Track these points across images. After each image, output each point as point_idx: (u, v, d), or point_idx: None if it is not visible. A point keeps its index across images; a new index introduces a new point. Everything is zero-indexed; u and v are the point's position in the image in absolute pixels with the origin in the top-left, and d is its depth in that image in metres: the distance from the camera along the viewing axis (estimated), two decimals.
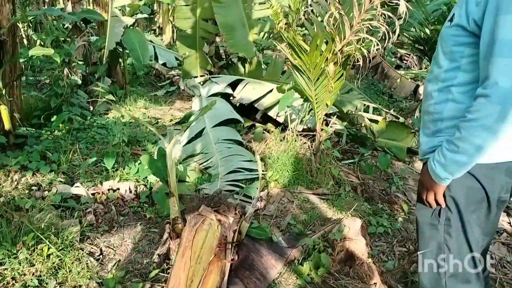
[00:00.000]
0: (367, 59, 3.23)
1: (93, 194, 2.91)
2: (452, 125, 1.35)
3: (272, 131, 4.11)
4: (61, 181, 3.04)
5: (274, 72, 5.17)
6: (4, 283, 2.01)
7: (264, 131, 4.21)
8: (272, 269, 2.25)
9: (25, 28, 8.34)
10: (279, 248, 2.41)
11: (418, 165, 3.93)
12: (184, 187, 3.05)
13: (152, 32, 11.79)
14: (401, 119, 4.42)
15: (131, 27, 5.36)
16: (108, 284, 2.09)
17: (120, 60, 5.55)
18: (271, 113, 4.24)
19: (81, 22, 5.20)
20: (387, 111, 4.55)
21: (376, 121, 4.11)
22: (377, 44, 2.78)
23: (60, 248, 2.23)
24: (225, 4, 5.21)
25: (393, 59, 8.29)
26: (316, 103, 3.20)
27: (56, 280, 2.08)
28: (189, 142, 3.79)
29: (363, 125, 4.08)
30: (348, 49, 2.92)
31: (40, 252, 2.17)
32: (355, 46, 2.90)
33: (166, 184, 2.34)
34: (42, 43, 4.35)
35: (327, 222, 2.76)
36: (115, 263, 2.33)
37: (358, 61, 2.99)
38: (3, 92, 3.32)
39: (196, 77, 5.67)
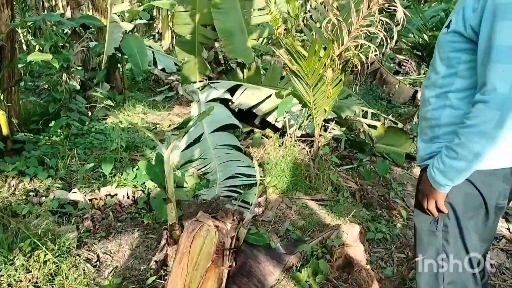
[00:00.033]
0: (366, 65, 3.24)
1: (90, 200, 2.90)
2: (449, 131, 1.35)
3: (271, 137, 4.11)
4: (58, 187, 3.03)
5: (272, 78, 5.19)
6: None
7: (263, 137, 4.20)
8: (270, 276, 2.24)
9: (24, 34, 8.37)
10: (277, 254, 2.40)
11: (417, 170, 3.93)
12: (182, 193, 3.04)
13: (151, 37, 11.85)
14: (400, 125, 4.42)
15: (130, 33, 5.39)
16: None
17: (119, 65, 5.57)
18: (270, 119, 4.24)
19: (80, 28, 5.22)
20: (386, 116, 4.55)
21: (374, 127, 4.11)
22: (375, 50, 2.79)
23: (57, 254, 2.22)
24: (224, 10, 5.24)
25: (391, 65, 8.30)
26: (315, 108, 3.20)
27: (53, 287, 2.06)
28: (187, 147, 3.79)
29: (361, 130, 4.08)
30: (346, 55, 2.93)
31: (37, 258, 2.16)
32: (353, 52, 2.91)
33: (164, 190, 2.33)
34: (41, 49, 4.36)
35: (326, 228, 2.75)
36: (112, 270, 2.32)
37: (356, 67, 3.00)
38: (1, 97, 3.33)
39: (195, 82, 5.69)
